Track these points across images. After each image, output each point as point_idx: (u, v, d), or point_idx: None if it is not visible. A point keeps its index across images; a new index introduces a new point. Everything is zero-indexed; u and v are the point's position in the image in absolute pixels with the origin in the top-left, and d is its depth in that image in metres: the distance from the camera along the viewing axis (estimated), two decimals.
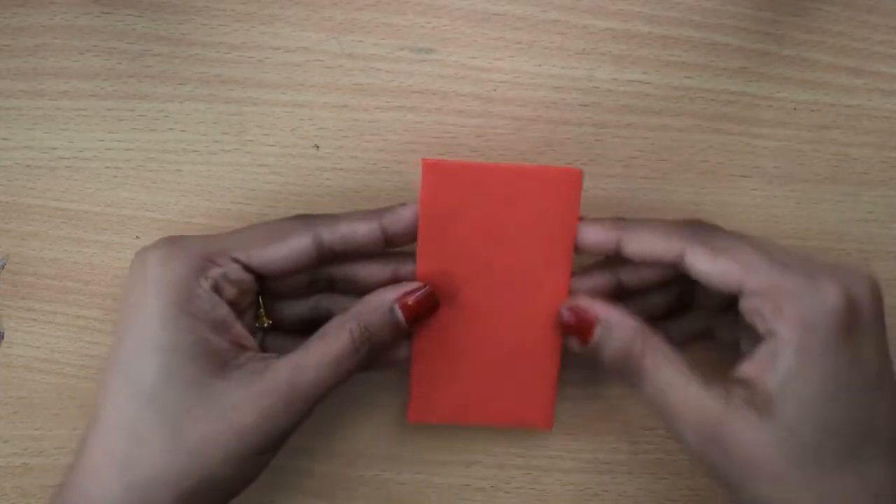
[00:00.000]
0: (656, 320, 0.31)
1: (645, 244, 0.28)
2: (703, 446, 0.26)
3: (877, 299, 0.26)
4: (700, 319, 0.33)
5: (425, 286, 0.29)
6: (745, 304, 0.27)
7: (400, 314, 0.29)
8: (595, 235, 0.29)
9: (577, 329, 0.29)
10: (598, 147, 0.34)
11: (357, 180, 0.33)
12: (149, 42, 0.32)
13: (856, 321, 0.25)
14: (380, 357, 0.29)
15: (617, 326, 0.28)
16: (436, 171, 0.29)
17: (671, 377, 0.27)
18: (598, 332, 0.28)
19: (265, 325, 0.30)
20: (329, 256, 0.29)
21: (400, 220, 0.29)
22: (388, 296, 0.29)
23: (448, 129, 0.33)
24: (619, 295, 0.31)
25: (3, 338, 0.34)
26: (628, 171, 0.34)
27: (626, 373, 0.28)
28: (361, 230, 0.29)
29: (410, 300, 0.29)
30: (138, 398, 0.25)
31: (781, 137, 0.34)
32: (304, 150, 0.33)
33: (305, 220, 0.29)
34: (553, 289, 0.30)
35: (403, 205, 0.29)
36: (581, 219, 0.29)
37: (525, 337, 0.31)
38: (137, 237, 0.33)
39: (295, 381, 0.26)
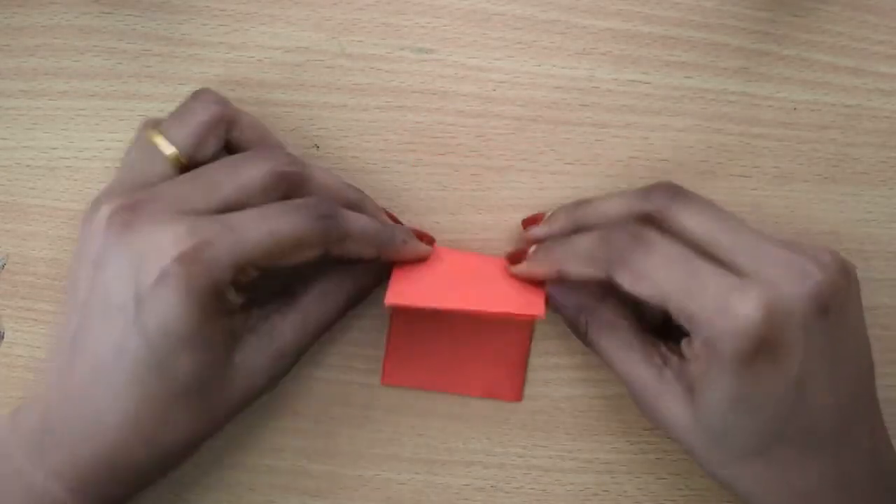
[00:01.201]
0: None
1: (575, 270, 0.29)
2: (641, 408, 0.29)
3: (810, 305, 0.26)
4: None
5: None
6: (671, 315, 0.27)
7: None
8: (532, 271, 0.31)
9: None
10: (598, 147, 0.34)
11: (357, 180, 0.33)
12: (149, 42, 0.32)
13: (765, 343, 0.25)
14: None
15: (562, 306, 0.31)
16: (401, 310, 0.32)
17: (614, 347, 0.30)
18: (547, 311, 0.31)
19: None
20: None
21: (400, 255, 0.31)
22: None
23: (448, 129, 0.33)
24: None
25: (3, 338, 0.34)
26: (628, 171, 0.34)
27: (580, 339, 0.31)
28: (366, 253, 0.29)
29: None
30: (171, 393, 0.26)
31: (781, 137, 0.34)
32: (304, 150, 0.33)
33: (319, 228, 0.28)
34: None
35: (404, 242, 0.30)
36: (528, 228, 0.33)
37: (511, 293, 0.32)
38: None
39: (300, 341, 0.29)
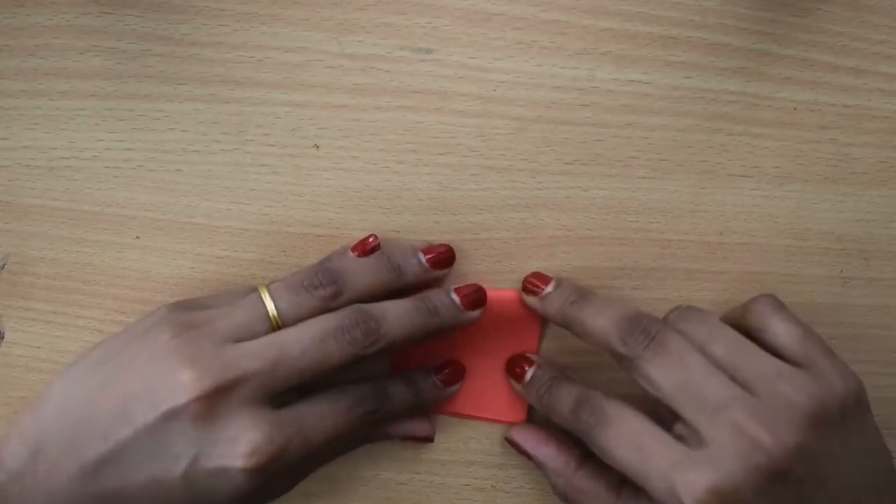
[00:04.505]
0: None
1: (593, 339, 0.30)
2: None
3: (757, 478, 0.25)
4: None
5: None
6: None
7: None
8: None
9: (521, 453, 0.33)
10: (598, 147, 0.34)
11: (357, 180, 0.33)
12: (149, 42, 0.32)
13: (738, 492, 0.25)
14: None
15: (544, 468, 0.32)
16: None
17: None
18: (535, 462, 0.33)
19: None
20: None
21: (444, 327, 0.31)
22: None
23: (448, 129, 0.33)
24: None
25: (3, 338, 0.34)
26: (628, 171, 0.34)
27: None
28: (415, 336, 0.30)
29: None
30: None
31: (781, 137, 0.34)
32: (304, 150, 0.33)
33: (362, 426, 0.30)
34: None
35: (445, 314, 0.31)
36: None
37: (503, 341, 0.34)
38: (137, 237, 0.33)
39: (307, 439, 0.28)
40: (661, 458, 0.26)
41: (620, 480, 0.30)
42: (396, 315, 0.29)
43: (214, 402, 0.26)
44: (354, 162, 0.33)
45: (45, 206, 0.33)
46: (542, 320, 0.34)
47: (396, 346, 0.29)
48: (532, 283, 0.33)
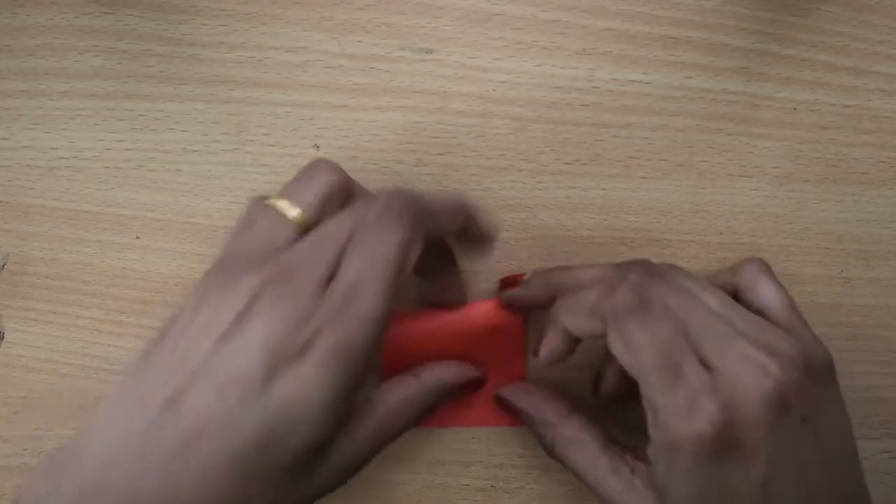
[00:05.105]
0: None
1: (570, 323, 0.30)
2: None
3: (767, 405, 0.26)
4: None
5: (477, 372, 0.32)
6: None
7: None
8: (524, 294, 0.32)
9: (508, 414, 0.33)
10: (598, 147, 0.34)
11: (357, 180, 0.33)
12: (149, 42, 0.32)
13: (725, 444, 0.25)
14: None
15: (532, 419, 0.31)
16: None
17: (581, 462, 0.29)
18: (523, 419, 0.32)
19: None
20: None
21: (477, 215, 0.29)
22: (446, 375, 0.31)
23: (448, 129, 0.33)
24: None
25: (3, 338, 0.34)
26: (628, 171, 0.34)
27: (551, 455, 0.31)
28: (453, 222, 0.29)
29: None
30: (265, 472, 0.24)
31: (781, 137, 0.34)
32: (304, 150, 0.33)
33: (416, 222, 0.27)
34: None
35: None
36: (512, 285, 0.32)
37: (489, 350, 0.33)
38: (137, 237, 0.33)
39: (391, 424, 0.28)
40: (688, 376, 0.26)
41: (608, 438, 0.30)
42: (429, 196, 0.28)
43: (280, 287, 0.25)
44: (354, 162, 0.33)
45: (45, 206, 0.33)
46: (525, 323, 0.33)
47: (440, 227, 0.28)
48: (508, 278, 0.33)
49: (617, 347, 0.27)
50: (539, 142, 0.33)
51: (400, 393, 0.28)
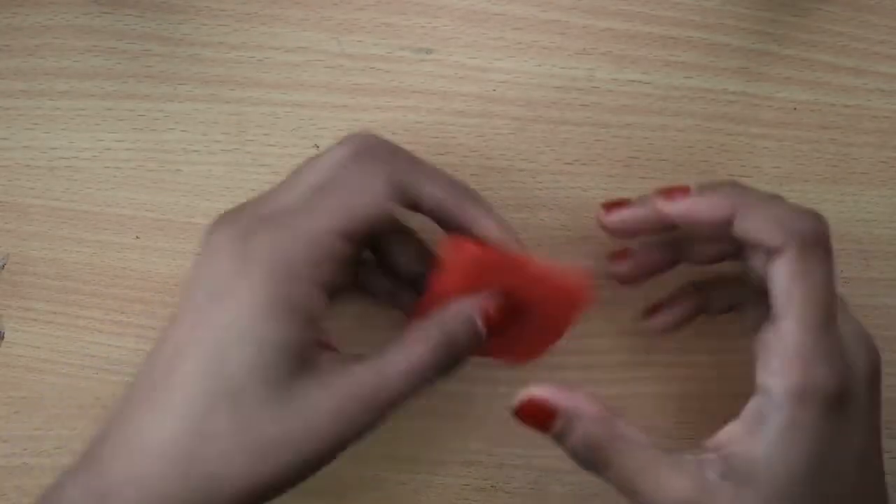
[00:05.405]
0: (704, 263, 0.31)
1: (755, 225, 0.26)
2: None
3: (875, 372, 0.26)
4: (735, 292, 0.32)
5: (498, 295, 0.28)
6: (770, 277, 0.26)
7: (482, 326, 0.27)
8: (707, 212, 0.27)
9: (536, 422, 0.27)
10: (598, 147, 0.34)
11: None
12: (149, 42, 0.32)
13: (848, 400, 0.25)
14: (459, 367, 0.27)
15: (578, 418, 0.26)
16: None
17: (639, 463, 0.25)
18: (558, 425, 0.26)
19: None
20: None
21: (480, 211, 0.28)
22: (469, 307, 0.27)
23: (448, 129, 0.33)
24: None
25: (3, 338, 0.34)
26: (628, 171, 0.34)
27: (591, 462, 0.26)
28: (448, 197, 0.27)
29: (492, 310, 0.27)
30: (215, 391, 0.24)
31: (781, 137, 0.34)
32: (304, 150, 0.33)
33: (391, 165, 0.27)
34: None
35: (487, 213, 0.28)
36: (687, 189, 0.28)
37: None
38: (137, 237, 0.33)
39: (378, 385, 0.25)
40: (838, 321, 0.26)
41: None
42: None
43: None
44: None
45: (45, 206, 0.33)
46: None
47: (427, 195, 0.27)
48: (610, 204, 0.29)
49: (789, 271, 0.25)
50: (539, 142, 0.33)
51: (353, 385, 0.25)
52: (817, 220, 0.26)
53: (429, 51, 0.33)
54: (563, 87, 0.33)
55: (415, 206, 0.27)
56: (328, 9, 0.32)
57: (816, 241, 0.26)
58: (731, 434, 0.25)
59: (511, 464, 0.35)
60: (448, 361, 0.26)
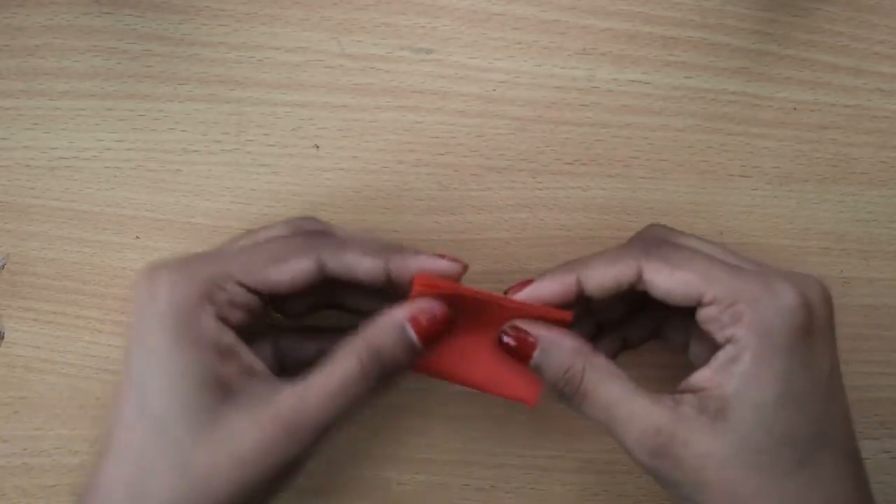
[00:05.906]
0: (614, 324, 0.32)
1: (600, 276, 0.27)
2: (654, 460, 0.25)
3: (828, 305, 0.27)
4: (652, 321, 0.32)
5: (438, 302, 0.27)
6: (704, 314, 0.27)
7: (413, 334, 0.27)
8: (552, 288, 0.28)
9: (517, 351, 0.28)
10: (598, 147, 0.34)
11: (357, 180, 0.33)
12: (149, 42, 0.32)
13: (811, 325, 0.26)
14: (394, 379, 0.27)
15: (555, 347, 0.27)
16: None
17: (616, 394, 0.26)
18: (537, 355, 0.27)
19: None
20: (331, 279, 0.28)
21: (406, 270, 0.27)
22: (399, 314, 0.27)
23: (448, 129, 0.33)
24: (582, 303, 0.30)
25: (3, 338, 0.34)
26: (628, 171, 0.34)
27: (568, 393, 0.27)
28: (365, 265, 0.27)
29: (423, 319, 0.27)
30: (146, 424, 0.25)
31: (781, 137, 0.34)
32: (304, 150, 0.33)
33: (311, 240, 0.28)
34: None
35: (415, 253, 0.27)
36: (530, 280, 0.29)
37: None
38: (137, 237, 0.33)
39: (298, 409, 0.25)
40: (749, 271, 0.27)
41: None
42: (350, 230, 0.29)
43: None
44: (354, 162, 0.33)
45: (45, 206, 0.33)
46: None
47: (352, 268, 0.27)
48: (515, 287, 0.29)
49: (661, 274, 0.26)
50: (539, 142, 0.33)
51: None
52: (656, 229, 0.30)
53: (429, 51, 0.33)
54: (563, 87, 0.33)
55: (345, 276, 0.27)
56: (328, 9, 0.32)
57: (662, 240, 0.28)
58: (702, 376, 0.26)
59: (511, 464, 0.35)
60: (378, 373, 0.26)
